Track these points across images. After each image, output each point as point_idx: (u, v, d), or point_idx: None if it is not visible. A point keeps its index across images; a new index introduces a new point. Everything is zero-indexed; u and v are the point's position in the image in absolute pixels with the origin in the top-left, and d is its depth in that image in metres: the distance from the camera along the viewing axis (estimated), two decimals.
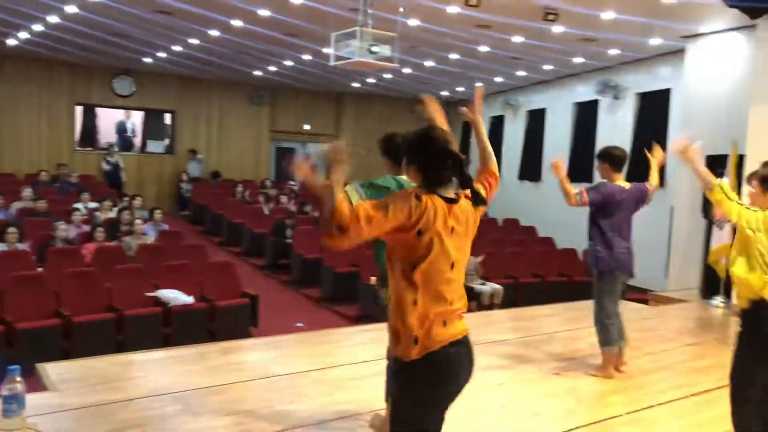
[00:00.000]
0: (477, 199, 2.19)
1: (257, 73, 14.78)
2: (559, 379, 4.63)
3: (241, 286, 7.59)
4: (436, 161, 2.12)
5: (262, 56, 12.67)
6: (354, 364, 4.83)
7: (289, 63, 13.35)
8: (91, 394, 3.98)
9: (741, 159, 7.77)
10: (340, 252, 9.41)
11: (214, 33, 10.65)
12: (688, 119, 9.54)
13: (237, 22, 9.81)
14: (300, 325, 7.95)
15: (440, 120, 2.58)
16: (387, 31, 7.55)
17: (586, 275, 9.93)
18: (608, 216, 4.57)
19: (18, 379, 2.95)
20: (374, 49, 6.77)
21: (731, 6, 6.36)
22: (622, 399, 4.27)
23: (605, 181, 4.71)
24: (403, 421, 2.15)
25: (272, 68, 14.12)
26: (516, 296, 9.07)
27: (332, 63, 7.27)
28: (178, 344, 5.69)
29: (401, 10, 7.46)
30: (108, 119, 15.95)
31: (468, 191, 2.21)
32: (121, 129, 15.93)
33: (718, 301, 7.89)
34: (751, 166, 7.34)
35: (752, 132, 7.46)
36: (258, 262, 11.04)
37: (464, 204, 2.18)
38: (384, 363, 4.71)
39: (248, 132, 17.02)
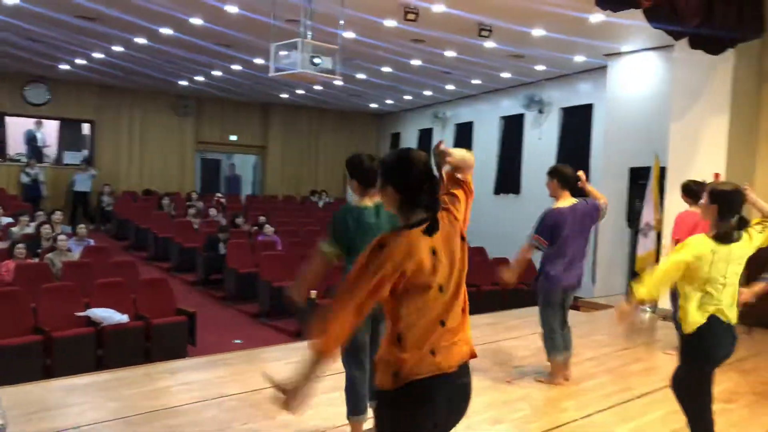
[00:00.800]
0: (433, 228, 2.03)
1: (183, 82, 14.37)
2: (511, 387, 4.72)
3: (176, 302, 7.30)
4: (413, 183, 2.04)
5: (190, 66, 12.33)
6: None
7: (217, 73, 13.06)
8: (30, 423, 3.69)
9: (663, 171, 8.23)
10: (275, 265, 9.28)
11: (141, 41, 10.27)
12: (611, 132, 10.04)
13: (167, 30, 9.50)
14: (238, 341, 7.73)
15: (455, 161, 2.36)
16: (326, 43, 7.52)
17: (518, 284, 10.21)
18: (560, 242, 4.68)
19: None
20: (316, 60, 6.71)
21: (655, 27, 6.75)
22: (575, 404, 4.40)
23: (548, 209, 4.80)
24: None
25: (199, 78, 13.76)
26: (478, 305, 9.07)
27: (271, 74, 7.14)
28: (112, 366, 5.40)
29: (341, 22, 7.44)
30: (16, 128, 14.96)
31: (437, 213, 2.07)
32: (30, 139, 14.93)
33: (644, 306, 8.29)
34: (672, 178, 7.81)
35: (673, 146, 7.92)
36: (189, 278, 10.67)
37: (443, 223, 2.08)
38: (336, 377, 4.69)
39: (172, 143, 16.49)
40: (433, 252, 2.00)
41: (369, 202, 3.34)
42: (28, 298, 6.32)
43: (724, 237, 3.10)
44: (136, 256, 11.58)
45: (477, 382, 4.64)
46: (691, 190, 5.51)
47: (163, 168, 16.39)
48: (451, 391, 2.09)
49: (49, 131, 15.40)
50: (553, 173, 4.84)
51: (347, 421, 3.49)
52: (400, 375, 2.00)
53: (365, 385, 3.38)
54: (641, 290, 3.07)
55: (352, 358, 3.36)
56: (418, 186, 2.03)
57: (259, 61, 11.34)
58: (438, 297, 2.03)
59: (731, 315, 3.14)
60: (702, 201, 3.33)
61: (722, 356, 3.18)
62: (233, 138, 17.55)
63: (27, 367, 5.68)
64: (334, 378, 4.47)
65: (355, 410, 3.41)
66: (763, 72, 7.79)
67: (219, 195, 15.58)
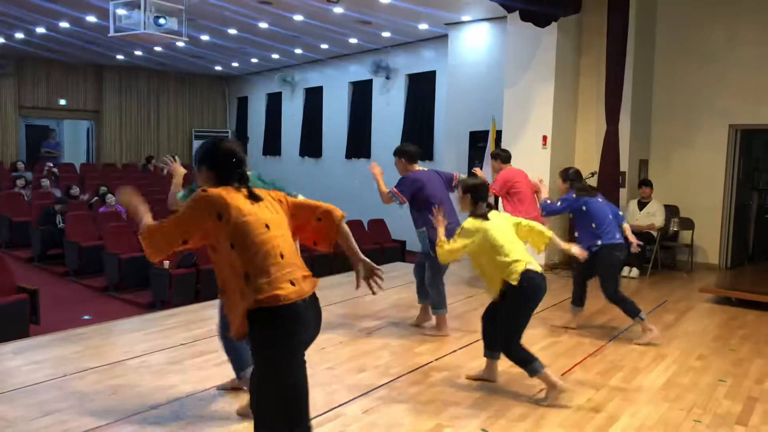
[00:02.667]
0: (253, 196, 2.46)
1: None
2: (372, 339, 5.04)
3: (15, 280, 6.76)
4: (222, 161, 2.51)
5: (7, 20, 11.12)
6: (171, 348, 4.71)
7: (41, 30, 11.91)
8: None
9: (499, 134, 8.96)
10: (122, 237, 8.85)
11: None
12: (452, 98, 10.67)
13: None
14: (88, 317, 7.36)
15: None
16: (169, 2, 7.21)
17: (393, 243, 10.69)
18: (426, 199, 5.01)
19: None
20: (161, 21, 6.43)
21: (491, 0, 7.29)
22: (429, 347, 4.82)
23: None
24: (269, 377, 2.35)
25: (19, 35, 12.45)
26: (332, 266, 9.13)
27: (112, 34, 6.73)
28: None
29: None
30: None
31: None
32: None
33: None
34: (507, 140, 8.54)
35: (507, 111, 8.64)
36: (23, 255, 9.85)
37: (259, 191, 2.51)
38: (199, 344, 4.72)
39: None
40: (251, 203, 2.43)
41: None
42: None
43: (482, 216, 3.90)
44: None
45: (343, 337, 4.95)
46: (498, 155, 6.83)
47: None
48: (310, 311, 2.48)
49: None
50: (398, 153, 5.23)
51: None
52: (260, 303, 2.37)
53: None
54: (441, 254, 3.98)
55: None
56: (226, 163, 2.51)
57: (91, 18, 10.51)
58: (267, 233, 2.41)
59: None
60: (458, 192, 4.15)
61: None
62: (62, 102, 16.16)
63: None
64: (190, 346, 4.52)
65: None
66: (581, 45, 8.71)
67: (50, 164, 14.33)
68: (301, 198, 3.10)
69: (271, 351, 2.30)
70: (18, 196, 11.17)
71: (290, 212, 2.57)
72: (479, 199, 3.96)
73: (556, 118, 8.32)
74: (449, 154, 10.81)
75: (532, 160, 8.11)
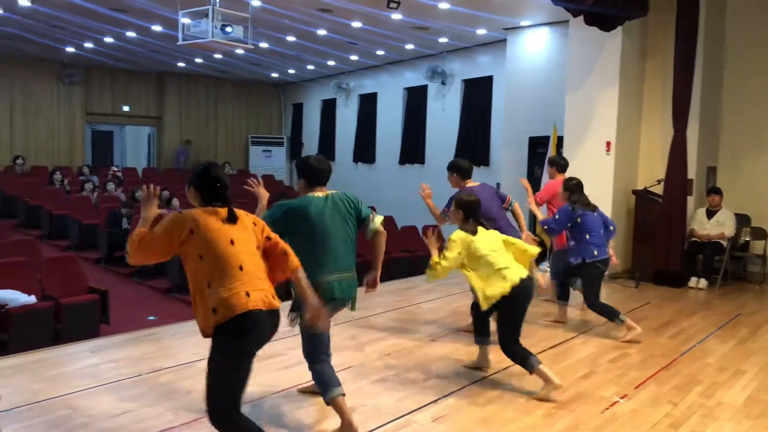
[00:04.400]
0: (231, 217, 2.76)
1: (69, 49, 13.46)
2: (437, 346, 5.01)
3: (86, 281, 7.01)
4: (209, 185, 2.82)
5: (79, 31, 11.58)
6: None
7: (109, 40, 12.35)
8: None
9: (561, 140, 8.80)
10: None
11: (25, 3, 9.52)
12: (510, 103, 10.55)
13: None
14: (152, 318, 7.56)
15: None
16: (233, 11, 7.36)
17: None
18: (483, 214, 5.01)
19: None
20: (228, 29, 6.58)
21: (556, 4, 7.17)
22: (496, 357, 4.74)
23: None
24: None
25: (89, 44, 12.95)
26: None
27: (180, 43, 6.92)
28: (20, 350, 5.16)
29: None
30: None
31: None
32: None
33: (544, 266, 8.90)
34: (569, 146, 8.39)
35: (569, 116, 8.48)
36: (91, 256, 10.20)
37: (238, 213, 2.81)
38: (265, 346, 4.77)
39: (59, 114, 15.47)
40: (223, 221, 2.73)
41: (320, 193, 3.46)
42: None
43: (470, 232, 4.13)
44: (30, 234, 10.89)
45: (408, 342, 4.95)
46: (555, 163, 6.59)
47: (49, 140, 15.37)
48: (265, 320, 2.71)
49: None
50: (452, 168, 5.27)
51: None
52: (221, 314, 2.66)
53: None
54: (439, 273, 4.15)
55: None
56: (211, 186, 2.82)
57: (157, 28, 10.85)
58: (231, 248, 2.70)
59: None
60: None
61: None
62: (126, 108, 16.71)
63: None
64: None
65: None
66: (646, 48, 8.49)
67: (115, 168, 14.84)
68: (378, 219, 3.56)
69: (225, 349, 2.65)
70: (86, 199, 11.59)
71: (262, 237, 2.85)
72: (470, 215, 4.20)
73: (621, 123, 8.12)
74: (506, 160, 10.69)
75: (596, 167, 7.94)
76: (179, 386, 3.99)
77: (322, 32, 11.09)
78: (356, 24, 10.32)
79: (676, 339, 5.42)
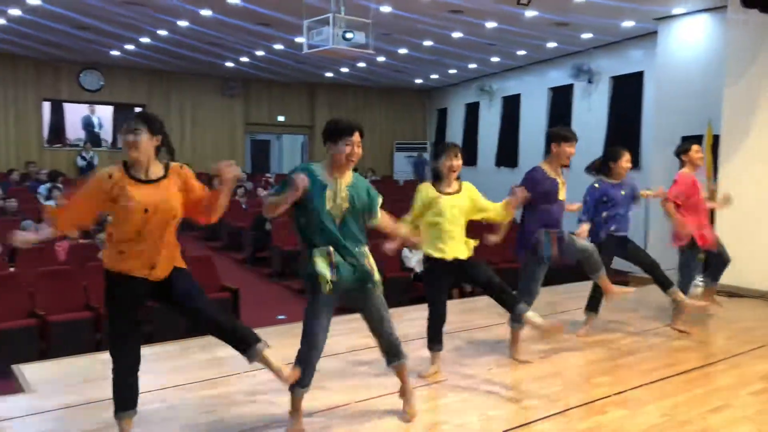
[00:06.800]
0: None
1: (229, 64, 14.56)
2: (544, 363, 4.63)
3: (220, 279, 7.47)
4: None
5: (233, 46, 12.47)
6: (335, 355, 4.77)
7: (260, 53, 13.17)
8: (70, 394, 3.87)
9: (716, 139, 7.85)
10: None
11: (183, 23, 10.44)
12: (661, 100, 9.62)
13: (206, 12, 9.62)
14: (282, 317, 7.86)
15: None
16: (357, 17, 7.45)
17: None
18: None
19: None
20: (348, 35, 6.66)
21: None
22: (609, 380, 4.28)
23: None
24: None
25: (244, 59, 13.91)
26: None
27: (305, 51, 7.16)
28: (159, 340, 5.57)
29: None
30: (73, 115, 15.56)
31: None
32: (87, 124, 15.53)
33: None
34: (726, 146, 7.45)
35: (727, 113, 7.53)
36: (238, 256, 10.92)
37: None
38: (362, 353, 4.70)
39: (222, 124, 16.79)
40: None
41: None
42: (80, 277, 6.58)
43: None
44: (188, 235, 11.91)
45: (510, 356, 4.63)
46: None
47: (213, 150, 16.73)
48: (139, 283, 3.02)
49: (106, 116, 15.93)
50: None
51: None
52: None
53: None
54: None
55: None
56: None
57: (300, 40, 11.34)
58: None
59: None
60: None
61: None
62: (281, 118, 17.72)
63: (80, 342, 5.92)
64: (353, 354, 4.53)
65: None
66: None
67: (268, 175, 15.79)
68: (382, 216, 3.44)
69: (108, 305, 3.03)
70: (237, 203, 12.43)
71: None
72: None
73: None
74: (657, 162, 9.74)
75: (763, 169, 6.95)
76: (270, 387, 4.04)
77: (457, 35, 10.92)
78: (490, 24, 10.02)
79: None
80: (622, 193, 5.21)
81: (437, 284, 4.20)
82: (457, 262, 4.06)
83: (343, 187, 3.24)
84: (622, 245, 5.26)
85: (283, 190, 3.14)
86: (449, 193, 4.10)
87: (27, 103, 14.20)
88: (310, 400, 3.58)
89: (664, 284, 5.25)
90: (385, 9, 8.98)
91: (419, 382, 4.07)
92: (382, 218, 3.45)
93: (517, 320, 4.31)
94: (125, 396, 3.04)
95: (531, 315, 3.95)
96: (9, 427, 3.49)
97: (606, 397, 3.95)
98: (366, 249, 3.32)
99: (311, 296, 3.25)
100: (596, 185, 5.23)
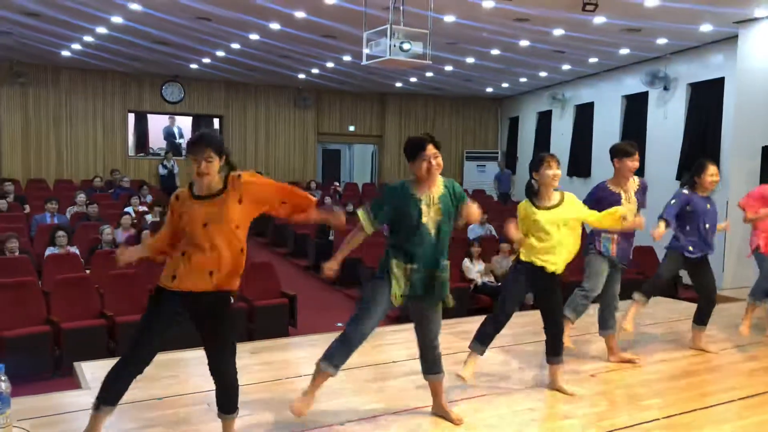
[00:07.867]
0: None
1: (301, 76, 14.92)
2: (593, 382, 4.46)
3: (279, 285, 7.65)
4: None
5: (304, 59, 12.77)
6: (384, 364, 4.78)
7: (330, 65, 13.42)
8: (161, 387, 4.10)
9: None
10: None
11: (254, 37, 10.80)
12: (742, 108, 9.10)
13: (275, 25, 9.92)
14: (340, 324, 7.94)
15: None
16: (420, 28, 7.47)
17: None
18: None
19: (2, 377, 3.04)
20: (405, 46, 6.69)
21: None
22: (660, 402, 4.07)
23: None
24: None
25: (315, 71, 14.22)
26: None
27: (364, 62, 7.24)
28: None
29: (431, 4, 7.34)
30: (156, 125, 16.40)
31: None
32: (168, 134, 16.33)
33: None
34: None
35: None
36: (302, 263, 11.14)
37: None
38: (411, 364, 4.69)
39: (295, 134, 17.21)
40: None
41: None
42: (146, 280, 6.89)
43: None
44: (255, 241, 12.27)
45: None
46: None
47: (286, 159, 17.18)
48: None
49: (186, 126, 16.68)
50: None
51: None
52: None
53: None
54: None
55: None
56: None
57: (366, 51, 11.49)
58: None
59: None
60: None
61: None
62: (351, 128, 17.97)
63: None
64: (402, 364, 4.51)
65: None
66: None
67: (336, 183, 16.04)
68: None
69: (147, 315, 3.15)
70: None
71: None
72: None
73: None
74: (738, 173, 9.23)
75: None
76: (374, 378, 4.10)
77: (524, 43, 10.74)
78: (558, 31, 9.79)
79: None
80: (708, 206, 5.00)
81: (519, 288, 4.13)
82: (549, 274, 4.00)
83: (435, 198, 3.40)
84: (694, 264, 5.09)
85: (380, 208, 3.40)
86: (548, 207, 4.00)
87: (114, 115, 15.08)
88: (343, 406, 3.59)
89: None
90: (449, 18, 8.96)
91: (459, 395, 4.02)
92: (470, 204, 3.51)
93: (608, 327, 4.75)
94: (115, 392, 3.11)
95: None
96: (63, 420, 3.71)
97: (653, 420, 3.76)
98: (448, 262, 3.46)
99: (375, 293, 3.44)
100: (685, 191, 5.04)
